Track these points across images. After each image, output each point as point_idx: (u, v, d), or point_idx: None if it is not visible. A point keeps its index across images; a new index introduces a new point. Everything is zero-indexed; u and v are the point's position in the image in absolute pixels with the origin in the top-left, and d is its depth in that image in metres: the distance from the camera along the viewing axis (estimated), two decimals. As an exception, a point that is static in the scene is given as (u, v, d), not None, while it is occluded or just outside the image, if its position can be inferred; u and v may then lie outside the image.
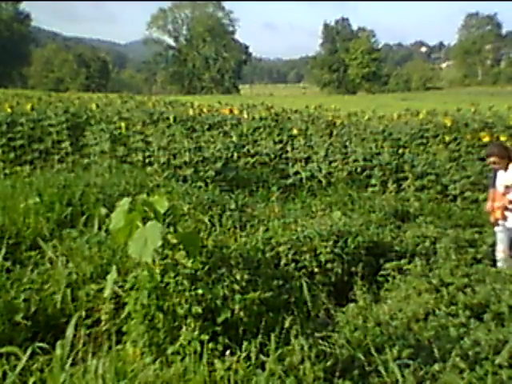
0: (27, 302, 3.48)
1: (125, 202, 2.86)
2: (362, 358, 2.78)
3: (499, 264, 5.33)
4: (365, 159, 9.83)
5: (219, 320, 2.94)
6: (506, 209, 5.46)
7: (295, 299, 3.94)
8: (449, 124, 10.70)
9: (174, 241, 2.99)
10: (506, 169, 5.58)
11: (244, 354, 2.67)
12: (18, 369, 2.52)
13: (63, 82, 71.03)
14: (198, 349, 2.71)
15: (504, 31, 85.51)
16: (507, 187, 5.49)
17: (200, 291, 2.96)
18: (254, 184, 8.89)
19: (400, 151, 10.18)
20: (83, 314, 3.42)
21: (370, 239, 5.28)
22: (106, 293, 3.03)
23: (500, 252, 5.50)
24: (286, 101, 33.63)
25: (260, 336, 2.82)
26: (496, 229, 5.62)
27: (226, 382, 2.54)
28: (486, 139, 9.89)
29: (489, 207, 5.68)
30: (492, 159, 5.56)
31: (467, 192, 8.43)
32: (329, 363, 2.65)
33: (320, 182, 9.58)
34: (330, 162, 9.94)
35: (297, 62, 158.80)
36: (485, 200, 8.14)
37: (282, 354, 2.66)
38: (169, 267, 3.00)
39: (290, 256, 4.79)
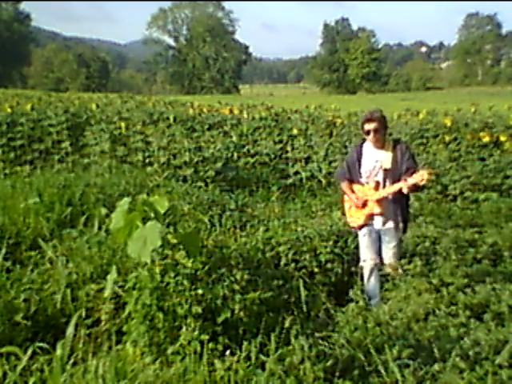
0: (27, 302, 3.48)
1: (125, 202, 2.86)
2: (362, 358, 2.78)
3: (372, 280, 4.35)
4: (365, 159, 9.81)
5: (219, 320, 2.94)
6: (380, 201, 4.25)
7: (295, 299, 3.94)
8: (449, 124, 10.69)
9: (174, 241, 2.99)
10: (383, 146, 4.27)
11: (244, 354, 2.67)
12: (19, 369, 2.53)
13: (63, 81, 70.99)
14: (198, 349, 2.71)
15: (504, 31, 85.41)
16: (386, 170, 4.23)
17: (200, 291, 2.96)
18: (254, 184, 8.90)
19: (400, 151, 10.15)
20: (83, 313, 3.42)
21: (370, 239, 5.27)
22: (107, 293, 3.03)
23: (371, 260, 4.38)
24: (285, 101, 33.62)
25: (260, 336, 2.82)
26: (360, 233, 4.46)
27: (226, 382, 2.54)
28: (486, 139, 9.89)
29: (359, 201, 4.33)
30: (374, 126, 4.15)
31: (467, 192, 8.43)
32: (329, 363, 2.65)
33: (320, 181, 9.58)
34: (330, 162, 9.94)
35: (297, 62, 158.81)
36: (485, 200, 8.15)
37: (282, 354, 2.66)
38: (169, 267, 3.00)
39: (290, 256, 4.79)
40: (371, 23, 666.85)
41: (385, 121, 4.26)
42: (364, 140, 4.38)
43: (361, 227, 4.43)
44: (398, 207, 4.29)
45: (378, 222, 4.35)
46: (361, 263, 4.48)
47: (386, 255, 4.39)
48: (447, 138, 10.31)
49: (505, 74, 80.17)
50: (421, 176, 3.86)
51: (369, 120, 4.19)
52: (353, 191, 4.46)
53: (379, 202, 4.25)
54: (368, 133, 4.22)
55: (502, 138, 9.93)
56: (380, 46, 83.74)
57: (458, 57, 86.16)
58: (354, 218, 4.49)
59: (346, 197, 4.62)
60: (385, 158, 4.22)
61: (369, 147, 4.33)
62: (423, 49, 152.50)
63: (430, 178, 4.06)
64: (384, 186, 4.23)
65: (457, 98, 40.36)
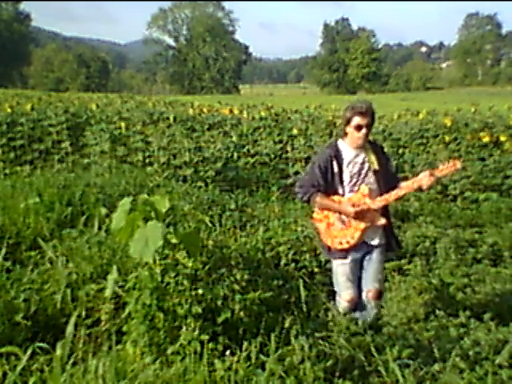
0: (27, 302, 3.48)
1: (126, 202, 2.86)
2: (362, 358, 2.78)
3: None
4: (365, 159, 9.81)
5: (219, 320, 2.94)
6: (378, 210, 3.47)
7: (295, 299, 3.94)
8: (449, 124, 10.68)
9: (175, 241, 2.99)
10: (362, 147, 3.49)
11: (244, 354, 2.67)
12: (18, 369, 2.52)
13: (63, 82, 71.03)
14: (198, 349, 2.71)
15: (504, 31, 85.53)
16: (376, 172, 3.48)
17: (200, 291, 2.96)
18: (254, 184, 8.90)
19: (400, 151, 10.17)
20: (83, 313, 3.42)
21: (370, 239, 5.27)
22: (107, 293, 3.03)
23: (351, 299, 3.56)
24: (285, 101, 33.62)
25: (260, 336, 2.82)
26: (340, 261, 3.55)
27: (226, 381, 2.54)
28: (486, 139, 9.88)
29: (358, 210, 3.38)
30: (367, 120, 3.42)
31: (467, 192, 8.44)
32: (329, 363, 2.65)
33: (320, 182, 9.56)
34: (330, 162, 9.91)
35: (297, 62, 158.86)
36: (485, 200, 8.15)
37: (282, 354, 2.65)
38: (169, 267, 3.00)
39: (290, 256, 4.80)
40: (371, 23, 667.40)
41: (375, 116, 3.57)
42: (336, 140, 3.62)
43: (347, 250, 3.50)
44: (388, 218, 3.58)
45: (370, 237, 3.53)
46: (337, 300, 3.65)
47: (369, 279, 3.58)
48: (447, 138, 10.31)
49: (505, 74, 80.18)
50: (452, 166, 3.30)
51: (363, 114, 3.41)
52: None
53: (378, 211, 3.48)
54: (359, 128, 3.42)
55: (502, 138, 9.93)
56: (380, 46, 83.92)
57: (458, 57, 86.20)
58: (341, 237, 3.48)
59: (317, 215, 3.61)
60: (371, 159, 3.50)
61: (346, 148, 3.53)
62: (423, 49, 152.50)
63: (460, 167, 3.39)
64: (380, 191, 3.46)
65: (457, 97, 40.37)
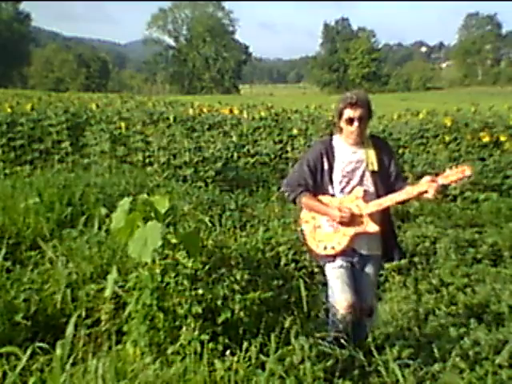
0: (27, 301, 3.48)
1: (125, 202, 2.86)
2: (362, 358, 2.78)
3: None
4: (365, 159, 9.80)
5: (219, 320, 2.94)
6: (372, 216, 3.10)
7: (295, 299, 3.94)
8: (449, 124, 10.69)
9: (175, 241, 2.99)
10: (362, 142, 3.14)
11: (244, 354, 2.67)
12: (18, 369, 2.52)
13: (63, 81, 71.06)
14: (198, 349, 2.71)
15: (504, 31, 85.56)
16: (374, 173, 3.13)
17: (200, 291, 2.96)
18: (254, 184, 8.90)
19: (400, 151, 10.18)
20: (83, 313, 3.42)
21: (370, 239, 5.27)
22: (107, 293, 3.03)
23: (350, 306, 3.03)
24: (285, 101, 33.60)
25: (260, 336, 2.82)
26: (329, 265, 3.17)
27: (226, 382, 2.54)
28: (486, 139, 9.89)
29: (347, 215, 3.04)
30: (360, 112, 3.06)
31: (467, 192, 8.43)
32: (329, 363, 2.65)
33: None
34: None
35: (297, 62, 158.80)
36: (485, 200, 8.15)
37: (282, 354, 2.65)
38: (169, 267, 3.00)
39: (289, 256, 4.80)
40: (371, 23, 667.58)
41: (371, 107, 3.15)
42: (331, 135, 3.29)
43: (335, 256, 3.14)
44: (390, 224, 3.27)
45: (362, 245, 3.15)
46: (335, 309, 3.10)
47: (363, 294, 3.16)
48: (447, 138, 10.32)
49: (505, 74, 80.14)
50: (461, 172, 2.94)
51: (353, 105, 3.04)
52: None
53: (372, 216, 3.09)
54: (351, 122, 3.06)
55: (502, 138, 9.94)
56: (380, 46, 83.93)
57: (458, 57, 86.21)
58: (328, 242, 3.14)
59: (304, 215, 3.30)
60: (369, 158, 3.13)
61: (341, 144, 3.18)
62: (423, 49, 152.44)
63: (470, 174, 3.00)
64: (377, 195, 3.11)
65: (457, 97, 40.35)
